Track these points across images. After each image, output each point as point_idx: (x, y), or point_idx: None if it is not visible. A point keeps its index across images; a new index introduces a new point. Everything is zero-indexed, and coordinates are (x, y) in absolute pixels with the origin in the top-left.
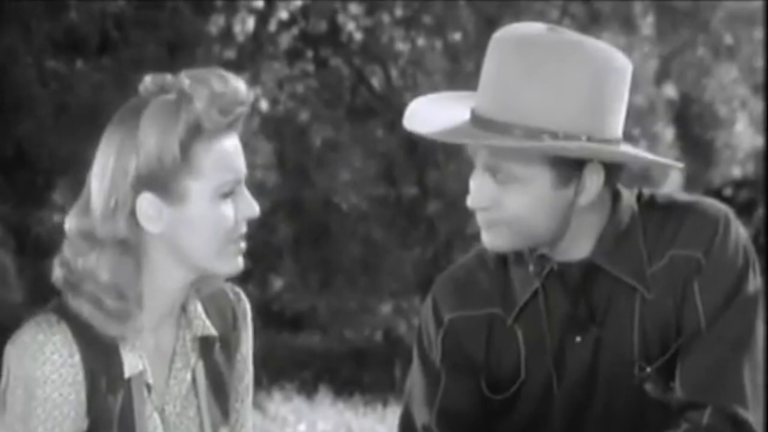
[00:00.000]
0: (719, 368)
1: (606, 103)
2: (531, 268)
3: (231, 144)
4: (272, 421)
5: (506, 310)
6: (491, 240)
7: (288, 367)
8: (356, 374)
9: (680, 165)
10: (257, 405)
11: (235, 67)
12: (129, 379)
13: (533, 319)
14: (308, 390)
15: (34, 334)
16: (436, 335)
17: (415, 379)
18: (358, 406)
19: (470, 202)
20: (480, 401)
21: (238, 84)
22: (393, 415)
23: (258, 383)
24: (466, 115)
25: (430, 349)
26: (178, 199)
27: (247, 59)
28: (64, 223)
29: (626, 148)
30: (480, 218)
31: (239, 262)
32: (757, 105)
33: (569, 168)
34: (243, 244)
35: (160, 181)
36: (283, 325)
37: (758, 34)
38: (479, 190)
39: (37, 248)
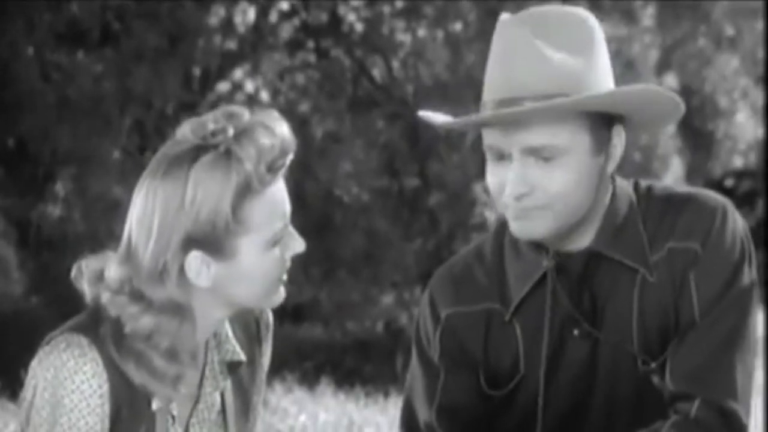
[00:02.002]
0: (710, 359)
1: (608, 65)
2: (530, 261)
3: (278, 191)
4: (273, 413)
5: (504, 304)
6: (526, 227)
7: (290, 358)
8: (358, 365)
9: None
10: None
11: (236, 57)
12: (154, 410)
13: (532, 314)
14: (310, 381)
15: (64, 360)
16: (433, 331)
17: (415, 375)
18: (360, 397)
19: (511, 190)
20: (480, 397)
21: (283, 130)
22: (394, 406)
23: None
24: (483, 111)
25: (429, 345)
26: (229, 255)
27: (248, 50)
28: (85, 260)
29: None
30: (516, 207)
31: (282, 294)
32: (759, 96)
33: (603, 131)
34: (285, 276)
35: (211, 240)
36: (285, 317)
37: (759, 25)
38: (521, 176)
39: (39, 240)
